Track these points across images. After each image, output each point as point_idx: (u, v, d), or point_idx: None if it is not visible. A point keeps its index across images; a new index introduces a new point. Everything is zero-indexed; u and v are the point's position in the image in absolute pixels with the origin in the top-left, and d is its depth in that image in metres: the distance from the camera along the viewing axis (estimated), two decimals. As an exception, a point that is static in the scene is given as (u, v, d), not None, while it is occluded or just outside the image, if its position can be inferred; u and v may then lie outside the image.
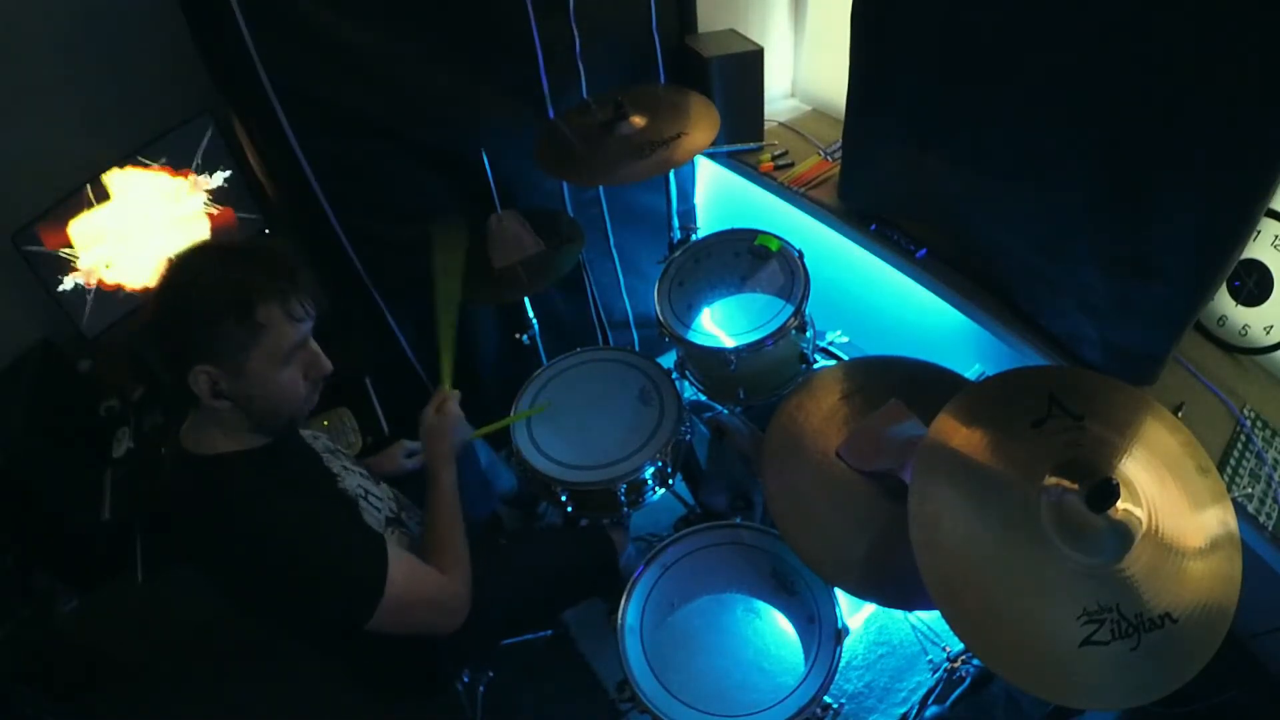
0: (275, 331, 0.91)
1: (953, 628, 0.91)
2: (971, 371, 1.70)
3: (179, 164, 1.69)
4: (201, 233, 1.79)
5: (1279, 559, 1.13)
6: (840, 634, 1.19)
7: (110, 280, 1.68)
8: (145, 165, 1.64)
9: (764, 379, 1.60)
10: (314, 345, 0.99)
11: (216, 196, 1.77)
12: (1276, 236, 1.27)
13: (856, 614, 1.82)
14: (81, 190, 1.58)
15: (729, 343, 1.51)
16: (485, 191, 1.77)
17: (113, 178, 1.61)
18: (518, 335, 1.87)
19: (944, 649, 1.52)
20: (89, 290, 1.65)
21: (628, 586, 1.30)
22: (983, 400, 1.08)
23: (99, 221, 1.62)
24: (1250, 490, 1.19)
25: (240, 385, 0.91)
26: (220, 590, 0.97)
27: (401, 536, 1.15)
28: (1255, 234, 1.28)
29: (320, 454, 1.14)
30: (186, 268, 0.90)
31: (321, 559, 0.94)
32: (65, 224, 1.57)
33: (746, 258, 1.67)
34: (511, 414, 1.55)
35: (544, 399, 1.61)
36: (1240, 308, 1.36)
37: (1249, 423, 1.28)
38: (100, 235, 1.63)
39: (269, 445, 1.01)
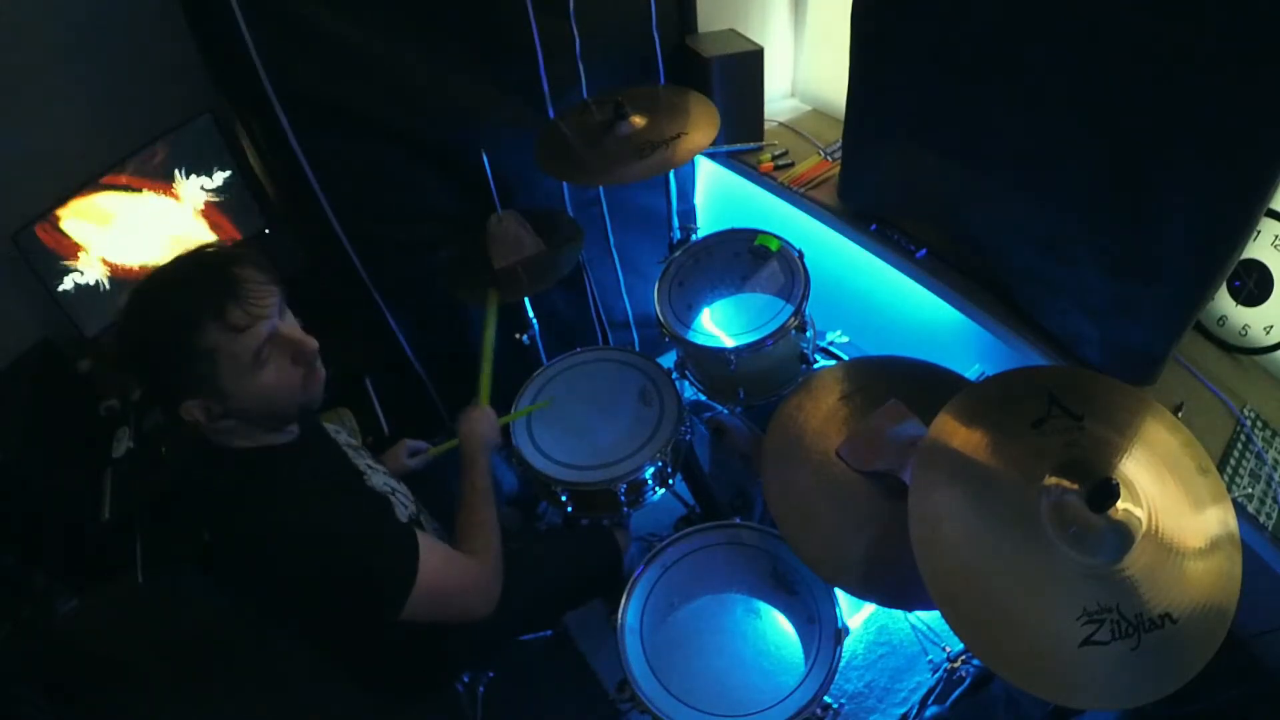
0: (225, 349, 0.87)
1: (953, 628, 0.91)
2: (971, 371, 1.70)
3: (178, 164, 1.69)
4: (199, 232, 1.79)
5: (1279, 559, 1.13)
6: (840, 634, 1.19)
7: (110, 279, 1.68)
8: (145, 164, 1.64)
9: (764, 379, 1.60)
10: (288, 331, 0.93)
11: (216, 196, 1.78)
12: (1276, 236, 1.27)
13: (856, 614, 1.82)
14: (82, 190, 1.58)
15: (729, 343, 1.51)
16: (485, 191, 1.77)
17: (113, 177, 1.61)
18: (518, 335, 1.87)
19: (944, 649, 1.52)
20: (89, 290, 1.65)
21: (628, 586, 1.30)
22: (983, 400, 1.08)
23: (100, 221, 1.62)
24: (1250, 490, 1.19)
25: (231, 403, 0.90)
26: (238, 587, 0.98)
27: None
28: (1255, 234, 1.28)
29: (344, 450, 1.15)
30: (132, 313, 0.88)
31: (355, 553, 0.95)
32: (66, 224, 1.57)
33: (746, 258, 1.67)
34: (513, 411, 1.55)
35: (544, 399, 1.61)
36: (1240, 308, 1.35)
37: (1249, 423, 1.28)
38: (101, 234, 1.64)
39: (297, 440, 1.01)
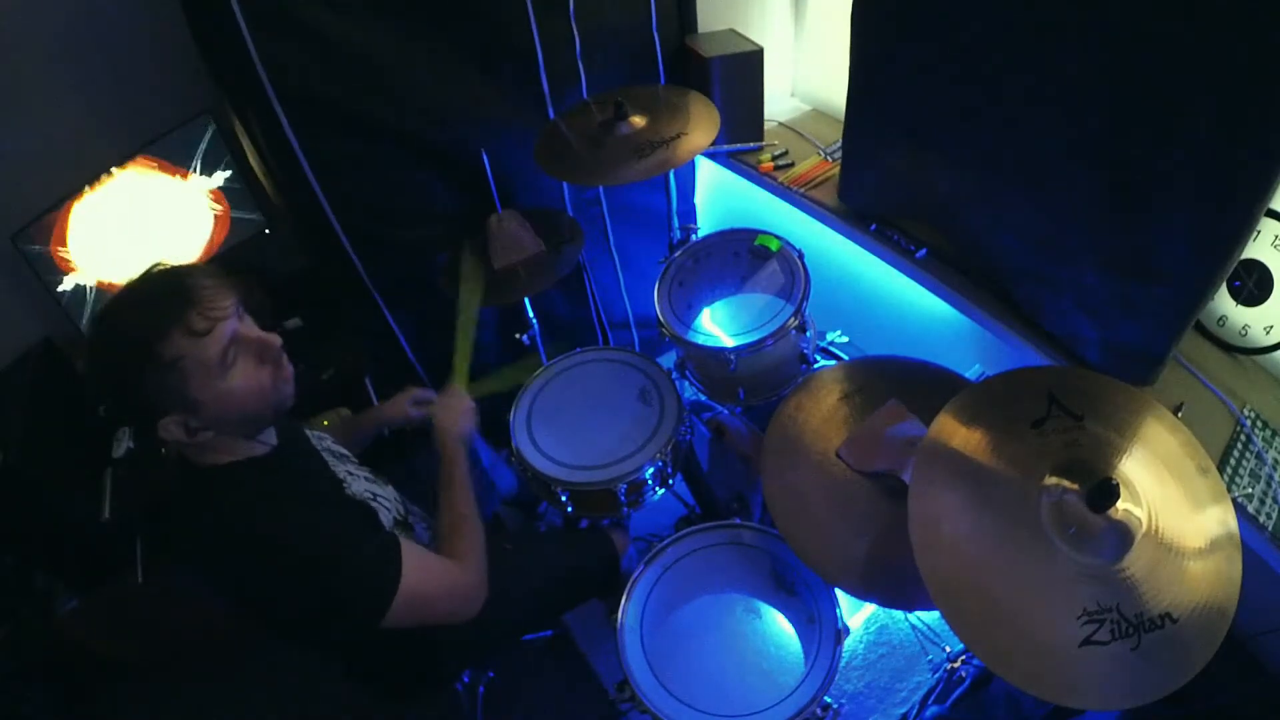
0: (191, 355, 0.87)
1: (953, 628, 0.91)
2: (971, 371, 1.70)
3: (179, 164, 1.69)
4: (198, 232, 1.79)
5: (1279, 559, 1.13)
6: (840, 634, 1.19)
7: (110, 280, 1.68)
8: (145, 165, 1.64)
9: (764, 379, 1.60)
10: (249, 331, 0.94)
11: (216, 197, 1.78)
12: (1276, 236, 1.27)
13: (856, 614, 1.82)
14: (82, 190, 1.58)
15: (729, 343, 1.51)
16: (485, 191, 1.77)
17: (113, 177, 1.61)
18: (518, 335, 1.87)
19: (944, 649, 1.53)
20: (89, 290, 1.65)
21: (628, 586, 1.30)
22: (983, 400, 1.08)
23: (99, 221, 1.62)
24: (1250, 490, 1.19)
25: (205, 413, 0.90)
26: (227, 599, 0.98)
27: (409, 538, 1.16)
28: (1255, 234, 1.28)
29: (325, 458, 1.14)
30: (97, 340, 0.88)
31: (332, 566, 0.95)
32: (66, 224, 1.57)
33: (746, 258, 1.67)
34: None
35: (544, 399, 1.61)
36: (1240, 308, 1.35)
37: (1249, 423, 1.28)
38: (101, 235, 1.64)
39: (274, 449, 1.01)
